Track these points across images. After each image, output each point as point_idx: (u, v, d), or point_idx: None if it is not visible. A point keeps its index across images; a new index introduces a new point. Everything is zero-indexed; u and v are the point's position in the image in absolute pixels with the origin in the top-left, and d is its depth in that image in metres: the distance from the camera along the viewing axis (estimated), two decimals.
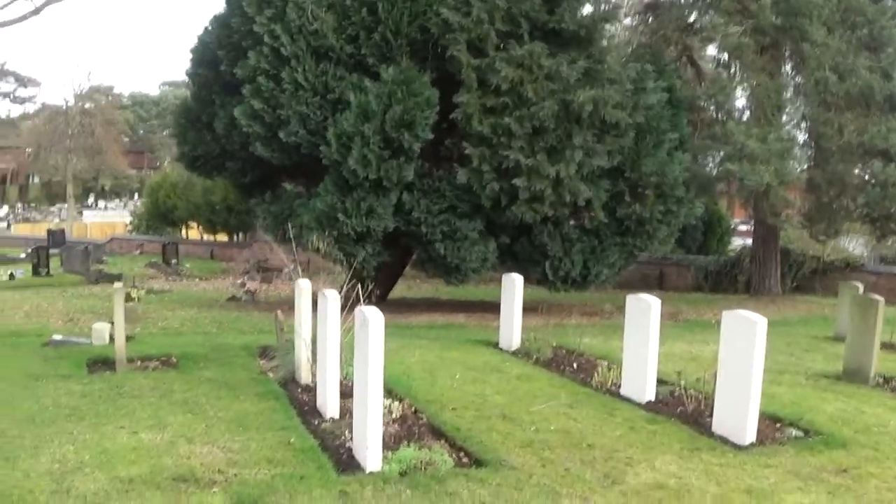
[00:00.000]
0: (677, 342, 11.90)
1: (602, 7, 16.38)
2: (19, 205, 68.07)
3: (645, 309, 8.27)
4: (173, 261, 30.25)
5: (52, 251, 27.53)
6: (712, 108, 18.00)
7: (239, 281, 21.68)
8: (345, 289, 8.92)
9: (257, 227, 24.54)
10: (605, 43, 16.57)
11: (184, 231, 40.69)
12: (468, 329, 14.86)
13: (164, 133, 63.66)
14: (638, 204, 15.93)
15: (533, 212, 15.06)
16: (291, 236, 11.88)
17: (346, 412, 7.07)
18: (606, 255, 16.42)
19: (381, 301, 16.96)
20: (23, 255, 30.44)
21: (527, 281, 12.52)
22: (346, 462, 6.07)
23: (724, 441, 6.73)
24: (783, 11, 16.17)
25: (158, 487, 5.47)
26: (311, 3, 15.18)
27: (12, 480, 5.58)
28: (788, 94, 18.54)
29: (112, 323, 10.16)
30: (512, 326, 11.33)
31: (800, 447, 6.61)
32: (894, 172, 15.88)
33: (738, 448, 6.56)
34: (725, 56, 18.82)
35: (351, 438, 6.35)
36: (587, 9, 16.00)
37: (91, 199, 70.94)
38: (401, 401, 7.74)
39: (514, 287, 11.36)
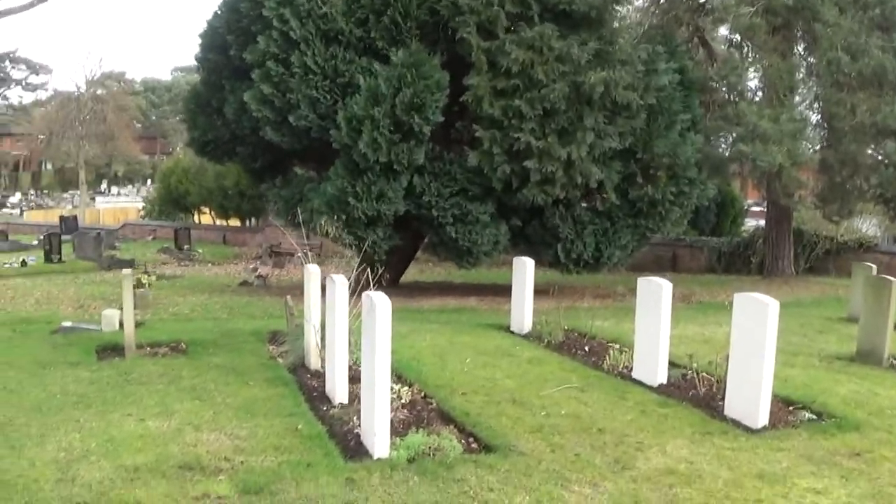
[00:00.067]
0: (690, 324, 11.83)
1: None
2: (32, 191, 68.40)
3: (656, 291, 8.19)
4: (185, 246, 30.31)
5: (64, 238, 27.58)
6: (724, 88, 17.83)
7: (251, 266, 21.73)
8: (355, 273, 8.86)
9: (269, 211, 24.54)
10: (616, 24, 16.46)
11: (196, 216, 40.69)
12: (480, 312, 14.82)
13: (177, 118, 63.70)
14: (650, 185, 15.89)
15: (544, 194, 15.01)
16: (301, 221, 11.86)
17: (354, 398, 7.02)
18: (618, 236, 16.38)
19: (393, 285, 16.96)
20: (35, 242, 30.55)
21: (539, 263, 12.46)
22: (354, 448, 6.03)
23: (737, 424, 6.66)
24: None
25: (164, 475, 5.45)
26: None
27: (18, 469, 5.57)
28: (801, 74, 18.41)
29: (122, 309, 10.15)
30: (523, 310, 11.29)
31: (813, 430, 6.54)
32: None
33: (750, 432, 6.49)
34: (737, 37, 18.66)
35: (359, 424, 6.31)
36: None
37: (104, 186, 71.20)
38: (410, 386, 7.72)
39: (524, 270, 11.30)
